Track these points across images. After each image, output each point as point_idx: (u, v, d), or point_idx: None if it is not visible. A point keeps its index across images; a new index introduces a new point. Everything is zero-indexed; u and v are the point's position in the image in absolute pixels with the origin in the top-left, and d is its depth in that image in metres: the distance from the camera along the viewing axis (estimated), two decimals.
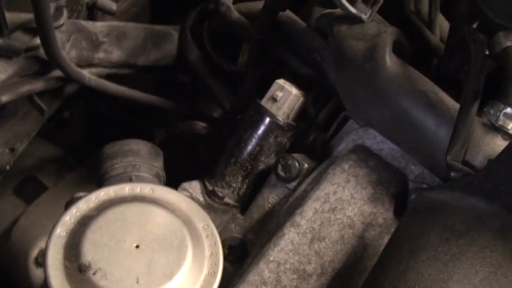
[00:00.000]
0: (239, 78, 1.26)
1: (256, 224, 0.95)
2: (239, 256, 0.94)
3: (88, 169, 1.65)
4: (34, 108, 1.02)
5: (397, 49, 0.87)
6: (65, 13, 0.93)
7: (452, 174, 0.76)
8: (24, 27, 0.87)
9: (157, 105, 1.20)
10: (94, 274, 0.72)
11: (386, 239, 0.82)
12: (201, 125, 1.45)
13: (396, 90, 0.83)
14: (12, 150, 1.16)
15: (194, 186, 0.97)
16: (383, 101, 0.84)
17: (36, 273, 1.46)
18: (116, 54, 1.11)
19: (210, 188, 0.96)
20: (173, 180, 1.00)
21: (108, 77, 1.15)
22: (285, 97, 0.94)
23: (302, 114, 1.04)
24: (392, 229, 0.82)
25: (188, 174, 1.04)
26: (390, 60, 0.84)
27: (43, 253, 1.51)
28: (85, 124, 1.77)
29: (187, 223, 0.80)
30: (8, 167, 1.18)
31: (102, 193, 0.82)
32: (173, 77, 1.41)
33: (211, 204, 0.95)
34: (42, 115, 1.03)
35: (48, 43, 0.85)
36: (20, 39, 0.88)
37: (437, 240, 0.70)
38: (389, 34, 0.86)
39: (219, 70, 1.21)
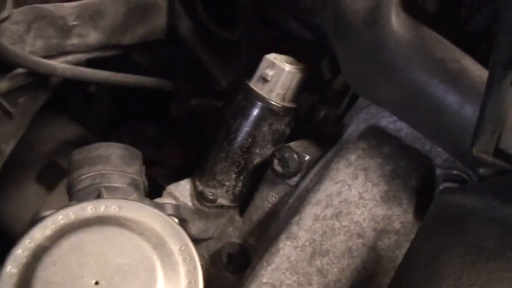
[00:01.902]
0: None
1: (257, 228, 0.82)
2: (241, 264, 0.81)
3: None
4: (2, 112, 0.91)
5: (410, 5, 0.69)
6: (9, 3, 0.79)
7: (481, 170, 0.59)
8: None
9: (149, 86, 1.06)
10: None
11: (404, 249, 0.66)
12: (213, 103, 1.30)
13: (406, 62, 0.65)
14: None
15: (183, 188, 0.83)
16: (391, 76, 0.66)
17: None
18: (93, 36, 0.97)
19: (200, 188, 0.82)
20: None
21: (93, 62, 1.02)
22: (277, 76, 0.78)
23: (317, 81, 0.89)
24: (412, 236, 0.66)
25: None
26: (397, 23, 0.66)
27: None
28: (112, 97, 1.66)
29: (159, 247, 0.67)
30: None
31: (60, 217, 0.69)
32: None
33: (201, 209, 0.81)
34: (10, 118, 0.92)
35: None
36: None
37: (460, 263, 0.54)
38: None
39: (217, 41, 1.05)
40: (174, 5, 1.04)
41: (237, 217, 0.83)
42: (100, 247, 0.66)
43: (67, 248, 0.65)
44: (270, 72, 0.78)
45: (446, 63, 0.63)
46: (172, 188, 0.83)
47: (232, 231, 0.83)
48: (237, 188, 0.82)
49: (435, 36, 0.66)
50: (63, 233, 0.68)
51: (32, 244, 0.68)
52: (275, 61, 0.78)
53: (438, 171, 0.73)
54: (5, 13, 0.78)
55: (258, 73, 0.79)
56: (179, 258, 0.67)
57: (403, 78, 0.65)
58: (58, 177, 1.54)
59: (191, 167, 0.93)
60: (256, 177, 0.82)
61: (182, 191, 0.83)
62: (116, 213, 0.70)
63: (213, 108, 1.22)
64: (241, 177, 0.82)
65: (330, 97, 0.94)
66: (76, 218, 0.70)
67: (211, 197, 0.81)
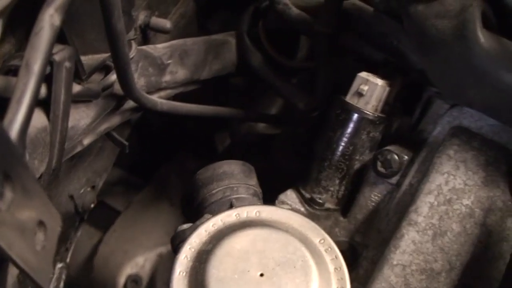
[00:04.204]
0: (297, 74, 1.23)
1: (362, 225, 0.92)
2: (350, 260, 0.91)
3: (155, 186, 1.65)
4: (115, 144, 1.00)
5: (484, 22, 0.82)
6: (134, 46, 0.90)
7: None
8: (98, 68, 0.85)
9: (224, 115, 1.17)
10: None
11: (509, 222, 0.79)
12: (261, 125, 1.42)
13: (496, 67, 0.78)
14: (93, 187, 1.15)
15: (290, 196, 0.94)
16: (483, 80, 0.79)
17: None
18: (181, 73, 1.08)
19: (308, 196, 0.93)
20: None
21: (174, 96, 1.13)
22: (371, 90, 0.90)
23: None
24: None
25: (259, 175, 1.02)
26: (483, 36, 0.79)
27: (132, 279, 1.52)
28: (138, 138, 1.76)
29: (304, 240, 0.77)
30: (92, 205, 1.17)
31: (211, 224, 0.79)
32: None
33: (313, 212, 0.92)
34: (124, 150, 1.01)
35: (126, 79, 0.83)
36: (94, 80, 0.86)
37: None
38: (476, 8, 0.81)
39: (281, 70, 1.18)
40: (243, 41, 1.16)
41: (341, 218, 0.94)
42: (256, 245, 0.76)
43: (228, 249, 0.75)
44: (365, 87, 0.90)
45: None
46: (282, 197, 0.94)
47: (339, 231, 0.94)
48: (340, 192, 0.94)
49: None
50: (219, 237, 0.78)
51: (193, 250, 0.77)
52: (369, 78, 0.91)
53: None
54: (131, 54, 0.89)
55: (353, 89, 0.92)
56: (321, 249, 0.78)
57: (494, 81, 0.78)
58: (109, 216, 1.62)
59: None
60: (356, 181, 0.94)
61: (291, 199, 0.94)
62: (258, 217, 0.81)
63: (273, 137, 1.34)
64: (344, 182, 0.93)
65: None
66: (225, 224, 0.80)
67: (320, 201, 0.92)
